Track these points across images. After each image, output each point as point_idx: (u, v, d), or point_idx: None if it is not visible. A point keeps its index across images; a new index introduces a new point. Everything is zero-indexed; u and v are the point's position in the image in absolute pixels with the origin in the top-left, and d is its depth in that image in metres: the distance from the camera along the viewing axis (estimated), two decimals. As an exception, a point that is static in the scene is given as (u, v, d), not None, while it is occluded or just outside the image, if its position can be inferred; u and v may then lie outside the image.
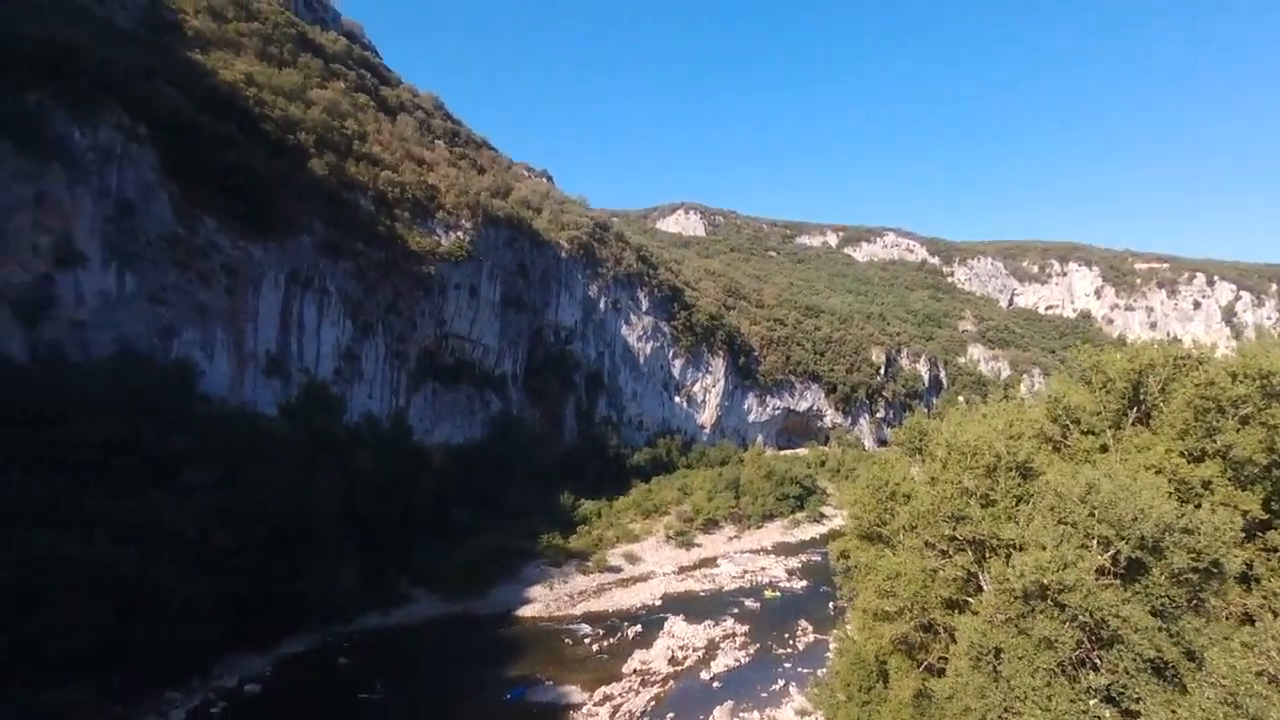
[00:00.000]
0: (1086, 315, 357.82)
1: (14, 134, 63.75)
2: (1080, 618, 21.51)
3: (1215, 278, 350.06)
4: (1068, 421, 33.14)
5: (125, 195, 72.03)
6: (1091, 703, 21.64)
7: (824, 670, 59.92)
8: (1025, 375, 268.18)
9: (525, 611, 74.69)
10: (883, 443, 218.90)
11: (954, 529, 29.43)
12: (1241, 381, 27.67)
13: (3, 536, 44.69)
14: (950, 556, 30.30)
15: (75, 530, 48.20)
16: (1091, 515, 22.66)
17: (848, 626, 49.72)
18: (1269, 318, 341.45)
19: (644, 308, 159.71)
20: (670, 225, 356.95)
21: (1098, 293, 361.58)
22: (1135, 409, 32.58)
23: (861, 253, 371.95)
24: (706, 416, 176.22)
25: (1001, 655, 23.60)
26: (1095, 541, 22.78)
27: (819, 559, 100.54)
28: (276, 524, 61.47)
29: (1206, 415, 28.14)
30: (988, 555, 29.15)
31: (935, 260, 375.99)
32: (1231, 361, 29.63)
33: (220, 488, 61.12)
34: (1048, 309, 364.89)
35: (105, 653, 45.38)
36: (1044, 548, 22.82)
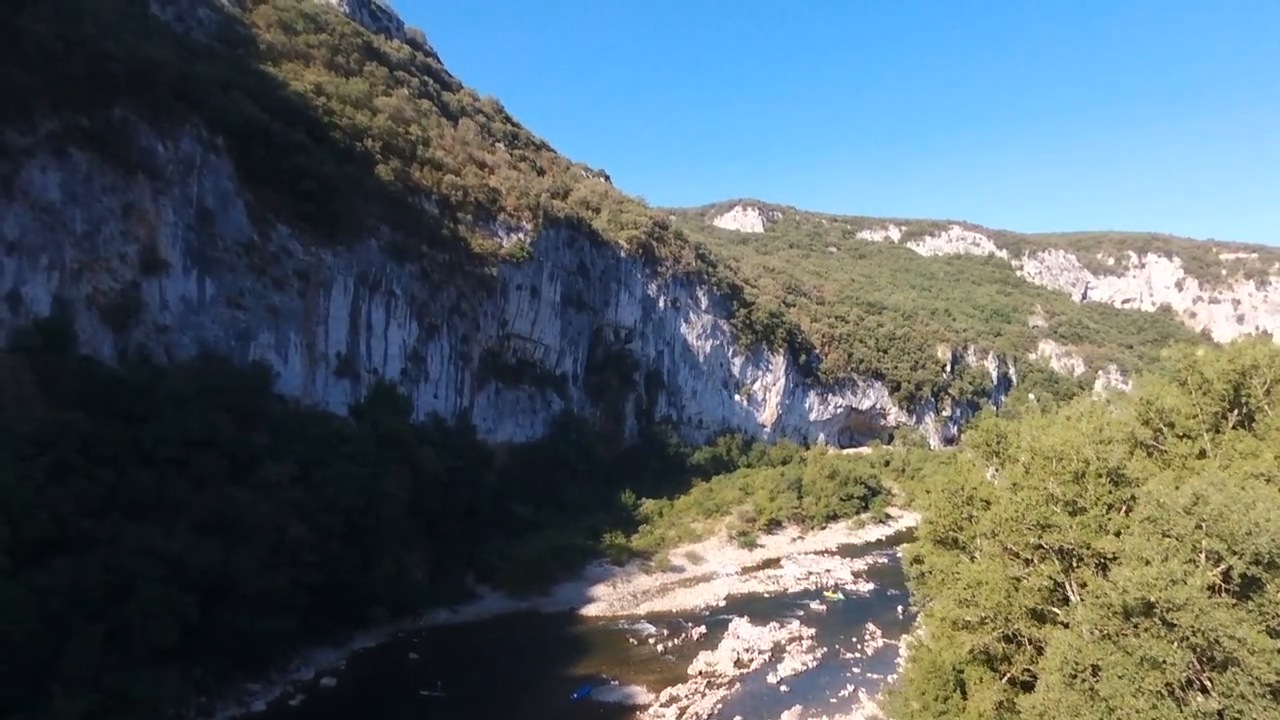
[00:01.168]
0: (1167, 309, 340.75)
1: (103, 148, 67.19)
2: (1191, 638, 20.18)
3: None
4: (1161, 425, 31.36)
5: (205, 204, 75.29)
6: None
7: (893, 677, 58.69)
8: (1101, 372, 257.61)
9: (589, 610, 75.19)
10: (949, 441, 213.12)
11: (1040, 537, 28.21)
12: None
13: (96, 529, 47.05)
14: (1035, 565, 29.08)
15: (160, 523, 50.61)
16: (1199, 528, 21.28)
17: (919, 632, 48.49)
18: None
19: (703, 306, 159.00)
20: (728, 222, 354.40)
21: (1179, 285, 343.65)
22: (1235, 412, 30.70)
23: (925, 247, 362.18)
24: (767, 415, 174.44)
25: (1099, 673, 22.40)
26: (1203, 556, 21.38)
27: (885, 561, 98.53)
28: (348, 518, 63.34)
29: None
30: (1075, 565, 27.89)
31: (1003, 253, 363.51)
32: None
33: (295, 483, 63.16)
34: (1124, 303, 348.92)
35: (189, 643, 47.32)
36: (1147, 562, 21.46)
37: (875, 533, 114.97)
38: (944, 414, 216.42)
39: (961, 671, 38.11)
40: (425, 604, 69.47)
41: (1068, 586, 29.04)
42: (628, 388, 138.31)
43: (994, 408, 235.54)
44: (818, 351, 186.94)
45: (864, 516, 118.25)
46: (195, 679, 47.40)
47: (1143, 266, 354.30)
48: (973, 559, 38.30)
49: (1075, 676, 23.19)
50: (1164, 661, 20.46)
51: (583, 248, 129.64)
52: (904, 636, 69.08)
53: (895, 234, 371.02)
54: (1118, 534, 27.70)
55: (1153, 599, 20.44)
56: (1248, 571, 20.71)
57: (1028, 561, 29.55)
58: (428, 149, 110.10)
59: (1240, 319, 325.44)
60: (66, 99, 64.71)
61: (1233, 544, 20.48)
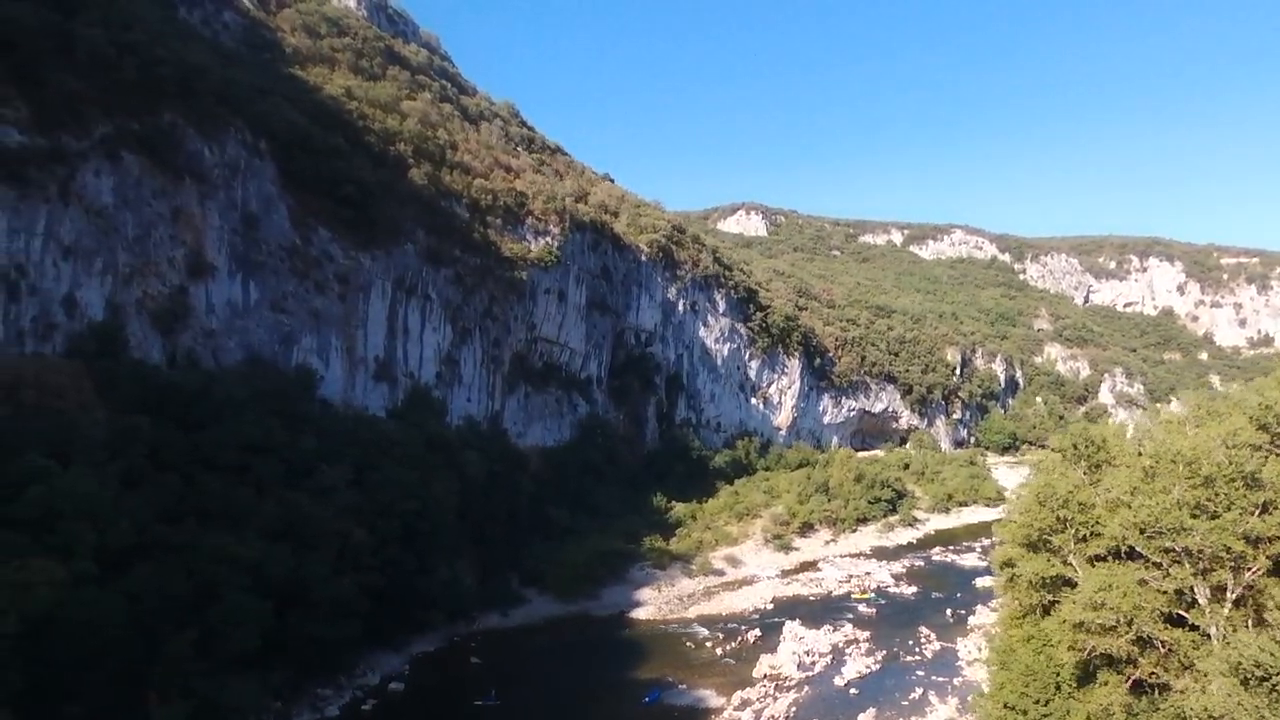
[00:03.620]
0: (1169, 313, 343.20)
1: (153, 152, 66.93)
2: None
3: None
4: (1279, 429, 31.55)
5: (249, 208, 75.12)
6: None
7: (959, 680, 58.91)
8: (1106, 375, 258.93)
9: (638, 614, 75.16)
10: (959, 444, 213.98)
11: (1173, 540, 28.39)
12: None
13: (172, 536, 46.81)
14: (1166, 569, 29.27)
15: (230, 530, 50.41)
16: None
17: (996, 635, 48.58)
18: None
19: (721, 309, 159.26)
20: (731, 226, 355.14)
21: (1180, 289, 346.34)
22: None
23: (928, 250, 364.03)
24: (782, 418, 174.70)
25: None
26: None
27: (922, 564, 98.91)
28: (405, 522, 63.17)
29: None
30: (1210, 569, 28.08)
31: (1005, 257, 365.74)
32: None
33: (350, 488, 63.01)
34: (1126, 306, 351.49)
35: (266, 650, 47.09)
36: None
37: (905, 535, 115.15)
38: (954, 416, 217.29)
39: (1059, 674, 38.32)
40: (477, 608, 69.31)
41: (1197, 590, 29.26)
42: (649, 391, 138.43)
43: (1002, 410, 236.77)
44: (831, 355, 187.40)
45: (892, 519, 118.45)
46: (273, 685, 47.18)
47: (1144, 270, 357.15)
48: (1065, 563, 38.58)
49: (1249, 680, 23.27)
50: None
51: (605, 251, 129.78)
52: (960, 640, 69.53)
53: (898, 237, 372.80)
54: (1257, 540, 27.94)
55: None
56: None
57: (1157, 565, 29.75)
58: (455, 153, 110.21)
59: (1242, 323, 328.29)
60: (119, 104, 64.57)
61: None
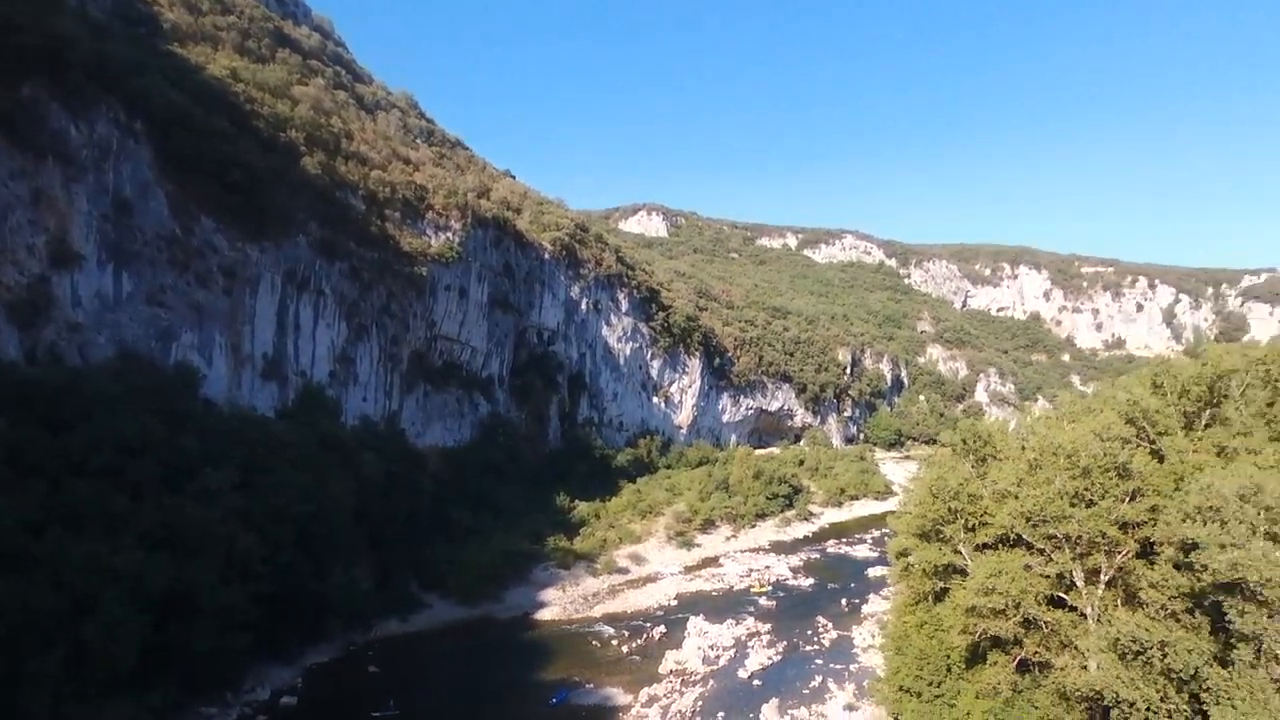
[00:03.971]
0: (1036, 317, 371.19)
1: (10, 130, 61.14)
2: None
3: (1156, 281, 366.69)
4: (1144, 424, 34.69)
5: (122, 193, 69.80)
6: None
7: (856, 666, 61.45)
8: (981, 375, 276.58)
9: (543, 614, 74.51)
10: (849, 440, 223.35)
11: (1056, 528, 30.67)
12: None
13: (35, 546, 42.90)
14: (1049, 555, 31.57)
15: (104, 537, 46.69)
16: (1265, 514, 23.76)
17: (889, 623, 51.02)
18: (1206, 319, 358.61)
19: (624, 309, 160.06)
20: (633, 226, 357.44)
21: (1046, 295, 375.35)
22: (1208, 411, 34.42)
23: (821, 254, 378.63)
24: (683, 417, 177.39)
25: (1167, 648, 24.50)
26: (1259, 535, 23.85)
27: (818, 557, 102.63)
28: (297, 526, 60.31)
29: None
30: (1088, 553, 30.47)
31: (892, 262, 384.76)
32: None
33: (238, 491, 59.53)
34: (999, 310, 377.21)
35: (144, 667, 43.88)
36: (1224, 546, 23.78)
37: (802, 529, 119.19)
38: (845, 414, 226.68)
39: (949, 656, 40.69)
40: (375, 614, 66.93)
41: (1074, 574, 31.74)
42: (551, 390, 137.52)
43: (889, 408, 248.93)
44: (730, 355, 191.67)
45: (789, 514, 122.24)
46: (152, 706, 43.92)
47: (1015, 277, 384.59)
48: (955, 551, 41.04)
49: (1126, 655, 25.37)
50: (1262, 634, 22.77)
51: (508, 248, 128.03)
52: (855, 628, 72.59)
53: (793, 241, 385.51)
54: (1126, 525, 30.55)
55: (1254, 577, 22.65)
56: None
57: (1041, 551, 32.09)
58: (351, 143, 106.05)
59: (1099, 327, 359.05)
60: (-31, 73, 58.59)
61: None
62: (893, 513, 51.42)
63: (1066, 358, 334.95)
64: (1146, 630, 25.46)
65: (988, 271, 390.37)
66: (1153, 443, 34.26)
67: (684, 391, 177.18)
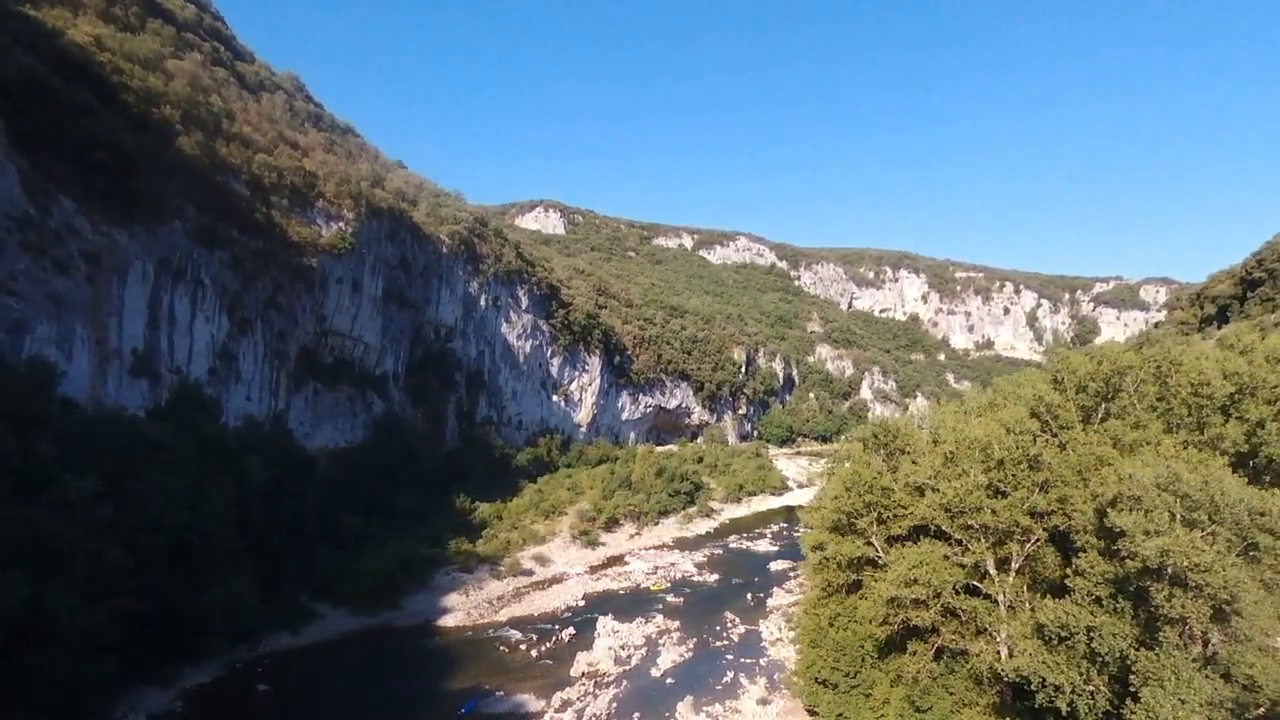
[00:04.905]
0: (915, 318, 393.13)
1: None
2: (1217, 595, 23.65)
3: (1021, 287, 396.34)
4: (1048, 418, 36.53)
5: (-36, 167, 62.10)
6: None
7: (765, 660, 62.28)
8: (866, 373, 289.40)
9: (447, 621, 71.73)
10: (744, 438, 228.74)
11: (974, 519, 31.72)
12: (1226, 381, 31.92)
13: None
14: (966, 546, 32.62)
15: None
16: (1181, 501, 25.14)
17: (798, 613, 51.81)
18: (1063, 323, 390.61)
19: (523, 306, 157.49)
20: (529, 223, 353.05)
21: (924, 298, 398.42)
22: (1105, 405, 36.59)
23: (716, 255, 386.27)
24: (583, 415, 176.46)
25: (1093, 633, 25.54)
26: (1179, 525, 25.22)
27: (721, 552, 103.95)
28: (174, 537, 55.43)
29: (1201, 411, 32.23)
30: (1004, 541, 31.66)
31: (783, 264, 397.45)
32: (1204, 364, 33.95)
33: (103, 500, 54.11)
34: (882, 312, 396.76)
35: (-8, 696, 39.08)
36: (1149, 533, 24.90)
37: (704, 525, 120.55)
38: (740, 412, 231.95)
39: (864, 647, 41.67)
40: (263, 628, 62.47)
41: (988, 562, 32.97)
42: (449, 388, 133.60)
43: (781, 406, 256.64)
44: (630, 353, 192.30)
45: (691, 511, 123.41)
46: (2, 741, 39.14)
47: (896, 281, 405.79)
48: (868, 543, 42.08)
49: (1054, 639, 26.37)
50: (1188, 618, 23.96)
51: (404, 241, 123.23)
52: (761, 622, 73.69)
53: (689, 242, 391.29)
54: (1037, 514, 31.97)
55: (1179, 563, 23.80)
56: (1242, 538, 24.55)
57: (959, 542, 33.16)
58: (233, 124, 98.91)
59: (971, 328, 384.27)
60: None
61: (1214, 515, 24.50)
62: (800, 507, 52.90)
63: (942, 357, 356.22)
64: (1072, 615, 26.69)
65: (871, 275, 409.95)
66: (1055, 435, 36.25)
67: (584, 389, 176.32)
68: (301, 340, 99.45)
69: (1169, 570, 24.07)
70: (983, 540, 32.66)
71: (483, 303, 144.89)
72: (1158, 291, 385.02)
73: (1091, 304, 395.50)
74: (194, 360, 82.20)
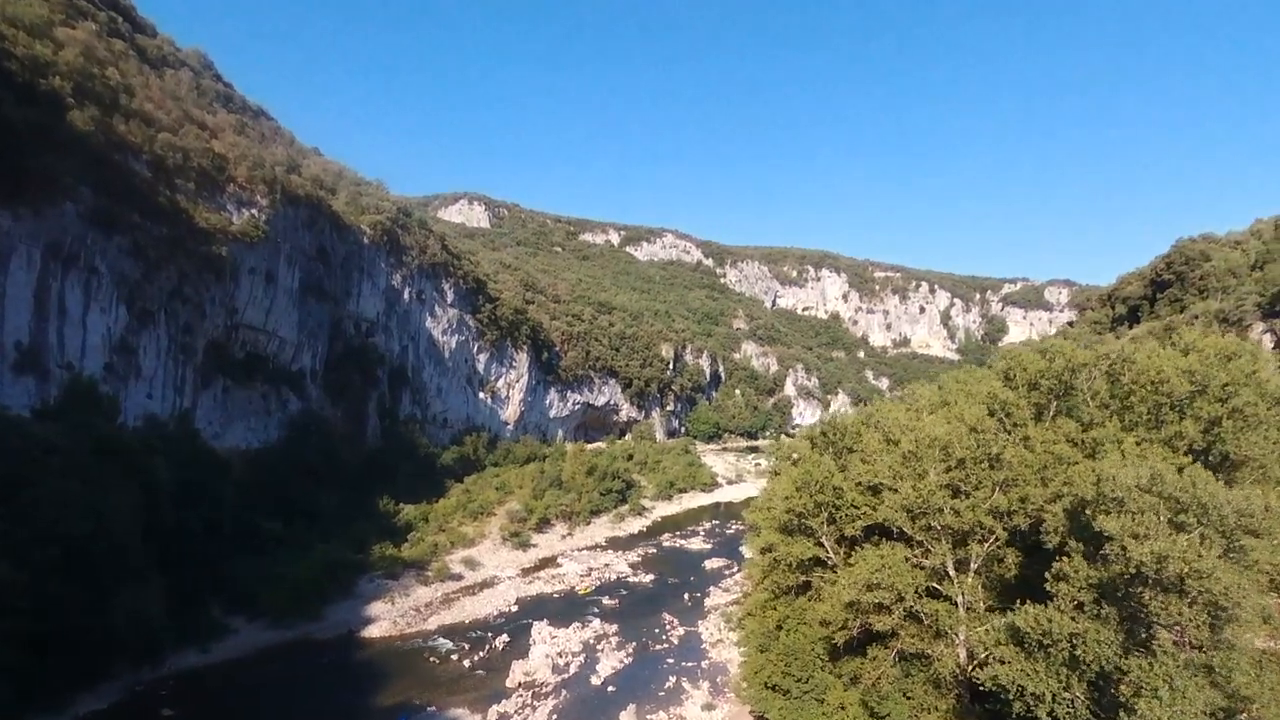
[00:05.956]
0: (836, 316, 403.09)
1: None
2: (1204, 598, 23.13)
3: (936, 287, 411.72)
4: (1002, 416, 36.37)
5: None
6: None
7: (707, 663, 61.12)
8: (790, 370, 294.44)
9: (371, 631, 67.82)
10: (671, 434, 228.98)
11: (936, 520, 31.07)
12: (1184, 379, 32.19)
13: None
14: (928, 547, 31.96)
15: None
16: (1166, 503, 24.70)
17: (740, 615, 50.73)
18: (974, 322, 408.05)
19: (449, 300, 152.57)
20: (453, 215, 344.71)
21: (845, 297, 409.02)
22: (1056, 403, 36.70)
23: (643, 252, 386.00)
24: (510, 412, 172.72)
25: (1077, 639, 24.84)
26: (1164, 524, 24.76)
27: (654, 551, 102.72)
28: (69, 548, 50.28)
29: (1159, 409, 32.43)
30: (966, 542, 31.12)
31: (709, 262, 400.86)
32: (1160, 362, 34.20)
33: (-15, 510, 48.63)
34: (804, 310, 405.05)
35: None
36: (1138, 537, 24.29)
37: (637, 524, 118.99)
38: (668, 408, 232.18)
39: (815, 649, 40.85)
40: (169, 646, 57.36)
41: (947, 563, 32.45)
42: (370, 385, 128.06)
43: (708, 402, 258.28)
44: (558, 349, 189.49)
45: (623, 510, 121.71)
46: None
47: (819, 280, 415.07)
48: (818, 544, 41.33)
49: (1039, 646, 25.67)
50: (1183, 621, 23.43)
51: (323, 231, 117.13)
52: (700, 623, 72.62)
53: (615, 238, 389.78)
54: (998, 513, 31.60)
55: (1179, 569, 23.19)
56: (1227, 536, 24.24)
57: (920, 544, 32.50)
58: (133, 99, 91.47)
59: (889, 327, 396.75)
60: None
61: (1202, 517, 24.15)
62: (732, 503, 51.61)
63: (862, 354, 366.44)
64: (1055, 622, 26.07)
65: (794, 273, 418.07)
66: (1008, 433, 36.22)
67: (511, 386, 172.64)
68: (210, 334, 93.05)
69: (1165, 576, 23.68)
70: (944, 541, 32.19)
71: (406, 296, 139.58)
72: (1060, 292, 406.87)
73: (1000, 304, 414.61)
74: (88, 355, 75.60)
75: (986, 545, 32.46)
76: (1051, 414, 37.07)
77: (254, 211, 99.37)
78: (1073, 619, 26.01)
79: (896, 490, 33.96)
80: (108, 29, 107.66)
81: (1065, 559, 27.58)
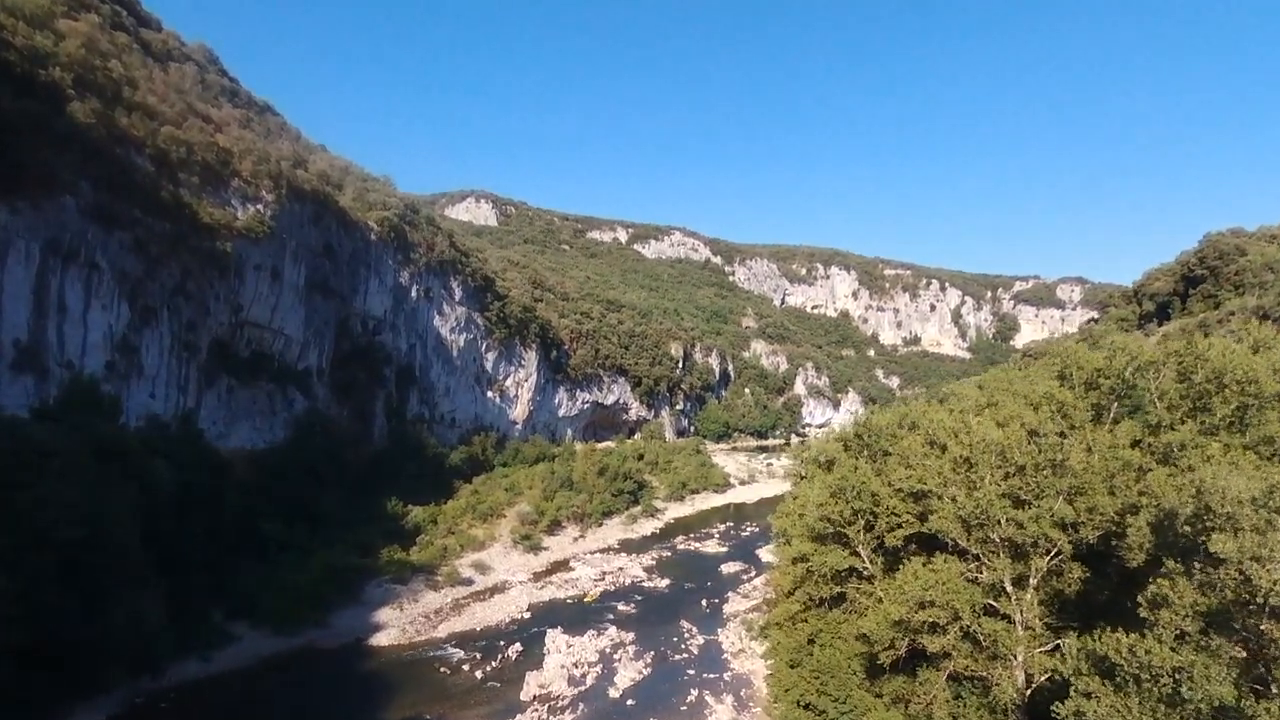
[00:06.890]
0: (846, 315, 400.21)
1: None
2: None
3: (946, 285, 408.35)
4: (1059, 417, 33.87)
5: None
6: None
7: (730, 675, 58.57)
8: (800, 368, 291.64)
9: (379, 639, 65.66)
10: (681, 433, 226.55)
11: (996, 531, 28.63)
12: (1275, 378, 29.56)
13: None
14: (985, 562, 29.51)
15: None
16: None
17: (766, 626, 48.30)
18: (986, 320, 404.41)
19: (457, 298, 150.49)
20: (461, 213, 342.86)
21: (854, 295, 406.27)
22: (1118, 404, 34.14)
23: (650, 250, 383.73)
24: (519, 412, 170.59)
25: (1180, 676, 22.29)
26: None
27: (669, 554, 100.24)
28: (65, 554, 48.28)
29: (1246, 410, 29.83)
30: (1029, 555, 28.66)
31: (718, 259, 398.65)
32: (1239, 360, 31.49)
33: (-23, 515, 46.62)
34: (813, 308, 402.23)
35: None
36: (1259, 559, 21.71)
37: (649, 526, 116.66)
38: (677, 407, 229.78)
39: (850, 667, 38.45)
40: (169, 655, 55.40)
41: (1004, 579, 29.97)
42: (377, 384, 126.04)
43: (717, 401, 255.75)
44: (567, 347, 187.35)
45: (635, 511, 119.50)
46: None
47: (828, 278, 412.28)
48: (854, 554, 38.91)
49: (1140, 680, 23.11)
50: None
51: (329, 227, 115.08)
52: (720, 631, 70.16)
53: (623, 235, 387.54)
54: (1064, 525, 29.10)
55: None
56: None
57: (976, 557, 30.03)
58: (135, 92, 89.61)
59: (899, 325, 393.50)
60: None
61: None
62: (783, 513, 48.95)
63: (872, 353, 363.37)
64: (1155, 654, 23.50)
65: (804, 271, 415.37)
66: (1063, 436, 33.76)
67: (520, 385, 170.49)
68: (214, 332, 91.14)
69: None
70: (1002, 555, 29.72)
71: (414, 294, 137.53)
72: (1073, 290, 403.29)
73: (1012, 301, 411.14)
74: (88, 353, 73.70)
75: (1048, 559, 30.05)
76: (1111, 416, 34.67)
77: (259, 207, 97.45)
78: (1173, 649, 23.41)
79: (944, 498, 31.58)
80: (111, 22, 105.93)
81: (1165, 581, 24.96)
